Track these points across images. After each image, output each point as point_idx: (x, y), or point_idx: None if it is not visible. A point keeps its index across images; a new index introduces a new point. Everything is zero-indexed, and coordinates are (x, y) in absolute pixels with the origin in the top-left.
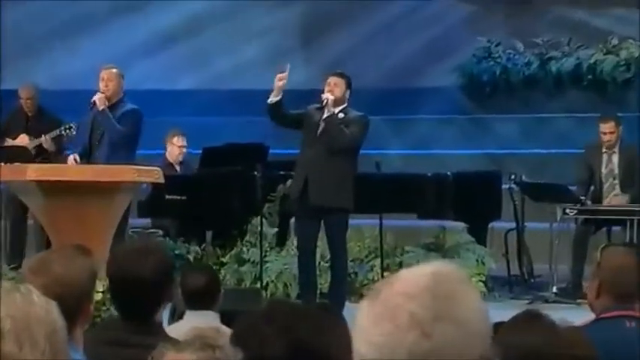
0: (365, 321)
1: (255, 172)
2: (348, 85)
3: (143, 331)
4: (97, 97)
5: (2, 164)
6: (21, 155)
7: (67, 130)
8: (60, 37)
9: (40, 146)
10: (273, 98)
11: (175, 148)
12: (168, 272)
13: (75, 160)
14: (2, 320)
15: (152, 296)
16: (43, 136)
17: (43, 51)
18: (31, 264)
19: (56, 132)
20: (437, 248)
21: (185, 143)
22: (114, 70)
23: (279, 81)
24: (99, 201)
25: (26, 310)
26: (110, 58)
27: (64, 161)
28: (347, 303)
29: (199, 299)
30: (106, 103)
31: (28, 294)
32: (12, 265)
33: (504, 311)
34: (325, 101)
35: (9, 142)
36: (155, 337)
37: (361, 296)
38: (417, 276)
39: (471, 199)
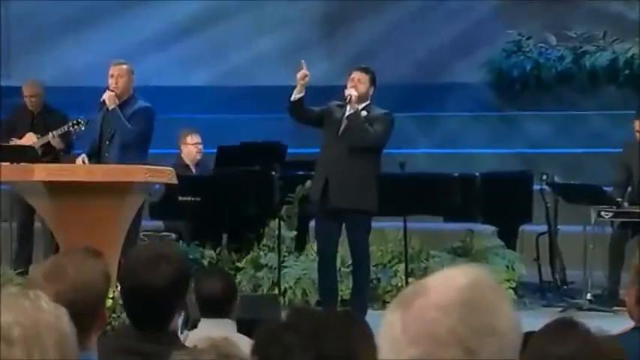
0: (399, 334)
1: (273, 172)
2: (373, 82)
3: (157, 340)
4: (106, 96)
5: (8, 164)
6: (27, 154)
7: (76, 126)
8: (67, 32)
9: (47, 145)
10: (296, 95)
11: (191, 147)
12: (184, 280)
13: (83, 161)
14: (11, 327)
15: (166, 305)
16: (50, 132)
17: (50, 46)
18: (43, 270)
19: (64, 128)
20: (464, 253)
21: (200, 140)
22: (124, 67)
23: (302, 79)
24: (109, 202)
25: (35, 316)
26: (119, 52)
27: (73, 161)
28: (369, 310)
29: (215, 306)
30: (116, 101)
31: (37, 300)
32: (18, 270)
33: (536, 319)
34: (348, 98)
35: (15, 141)
36: (170, 346)
37: (384, 303)
38: (451, 286)
39: (500, 201)
